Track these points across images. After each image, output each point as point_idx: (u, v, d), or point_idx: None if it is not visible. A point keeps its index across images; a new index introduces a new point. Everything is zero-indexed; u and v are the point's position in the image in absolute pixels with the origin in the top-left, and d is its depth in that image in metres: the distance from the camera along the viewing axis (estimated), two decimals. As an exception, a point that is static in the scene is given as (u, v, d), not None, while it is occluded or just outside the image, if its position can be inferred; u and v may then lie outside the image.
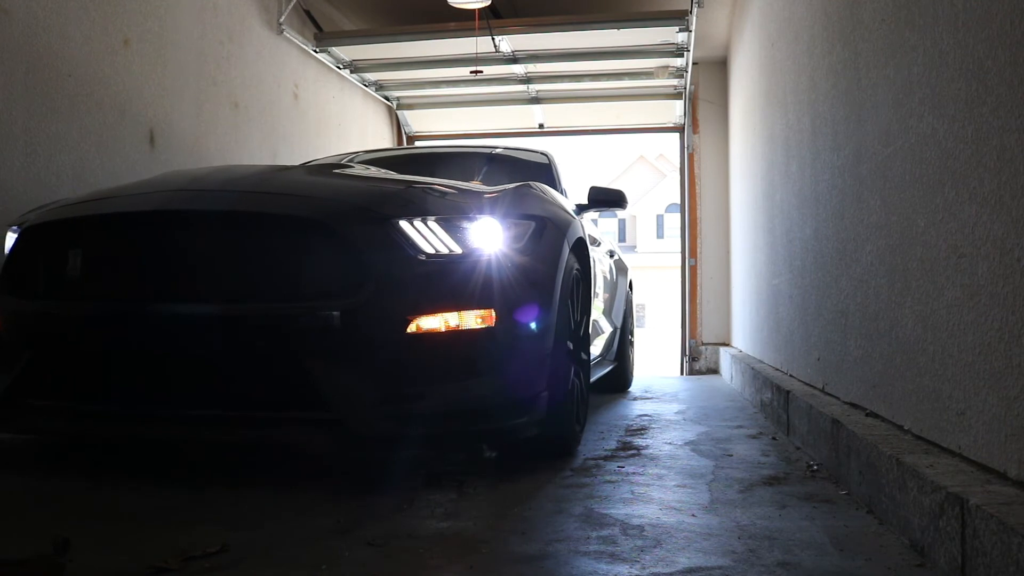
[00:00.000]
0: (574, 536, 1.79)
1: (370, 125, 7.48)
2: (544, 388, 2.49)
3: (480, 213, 2.44)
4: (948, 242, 1.83)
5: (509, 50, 6.25)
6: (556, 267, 2.63)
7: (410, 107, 7.91)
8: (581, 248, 3.05)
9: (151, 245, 2.38)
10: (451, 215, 2.40)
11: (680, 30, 5.76)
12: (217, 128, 4.90)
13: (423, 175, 3.21)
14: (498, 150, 4.56)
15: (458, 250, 2.35)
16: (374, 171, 3.14)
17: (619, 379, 5.19)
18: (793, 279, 3.76)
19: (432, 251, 2.32)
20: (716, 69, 7.45)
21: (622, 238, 35.66)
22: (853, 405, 2.66)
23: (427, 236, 2.34)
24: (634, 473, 2.53)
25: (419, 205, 2.42)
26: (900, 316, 2.17)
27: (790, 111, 3.77)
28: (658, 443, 3.15)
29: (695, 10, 5.41)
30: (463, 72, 6.74)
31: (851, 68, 2.64)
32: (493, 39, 5.92)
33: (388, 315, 2.23)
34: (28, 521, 1.91)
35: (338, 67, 6.57)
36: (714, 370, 7.36)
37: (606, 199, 4.01)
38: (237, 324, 2.24)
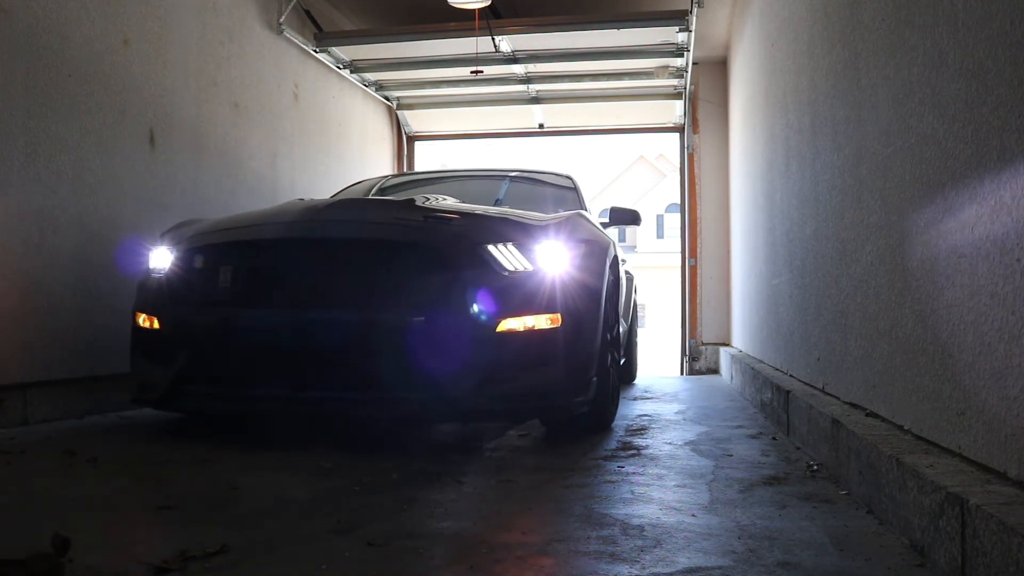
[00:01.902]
0: (574, 536, 1.79)
1: (370, 125, 7.48)
2: (594, 375, 3.13)
3: (546, 237, 3.08)
4: (948, 242, 1.83)
5: (509, 50, 6.25)
6: (602, 280, 3.28)
7: (410, 107, 7.91)
8: (615, 263, 3.68)
9: (294, 264, 3.01)
10: (524, 240, 3.04)
11: (680, 30, 5.76)
12: (217, 128, 4.90)
13: (456, 198, 3.92)
14: (524, 173, 5.15)
15: (531, 267, 2.97)
16: (454, 202, 3.71)
17: (627, 371, 5.79)
18: (793, 279, 3.76)
19: (512, 268, 2.95)
20: (716, 69, 7.44)
21: (622, 238, 35.66)
22: (853, 405, 2.66)
23: (508, 257, 2.97)
24: (634, 473, 2.53)
25: (501, 233, 3.06)
26: (900, 316, 2.17)
27: (790, 111, 3.77)
28: (658, 443, 3.15)
29: (695, 10, 5.41)
30: (463, 72, 6.73)
31: (851, 68, 2.64)
32: (493, 39, 5.92)
33: (483, 318, 2.84)
34: (27, 521, 1.91)
35: (338, 67, 6.57)
36: (714, 370, 7.36)
37: (623, 218, 4.77)
38: (367, 326, 2.85)
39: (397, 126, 8.11)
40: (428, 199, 3.55)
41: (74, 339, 3.76)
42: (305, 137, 6.09)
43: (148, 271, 3.29)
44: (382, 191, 4.93)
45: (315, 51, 6.15)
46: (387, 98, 7.69)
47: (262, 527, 1.86)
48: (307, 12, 6.06)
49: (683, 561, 1.62)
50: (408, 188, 5.00)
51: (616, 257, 3.71)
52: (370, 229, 3.05)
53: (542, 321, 2.92)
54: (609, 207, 4.76)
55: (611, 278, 3.48)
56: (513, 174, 5.07)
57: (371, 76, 7.07)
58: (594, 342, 3.14)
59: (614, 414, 3.64)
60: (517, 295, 2.90)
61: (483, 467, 2.63)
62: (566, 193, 4.78)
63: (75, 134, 3.74)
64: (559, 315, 2.94)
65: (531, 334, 2.90)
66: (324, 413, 3.15)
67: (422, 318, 2.82)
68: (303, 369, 2.90)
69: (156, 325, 3.12)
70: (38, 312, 3.54)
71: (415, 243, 2.99)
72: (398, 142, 8.14)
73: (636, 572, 1.55)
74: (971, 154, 1.70)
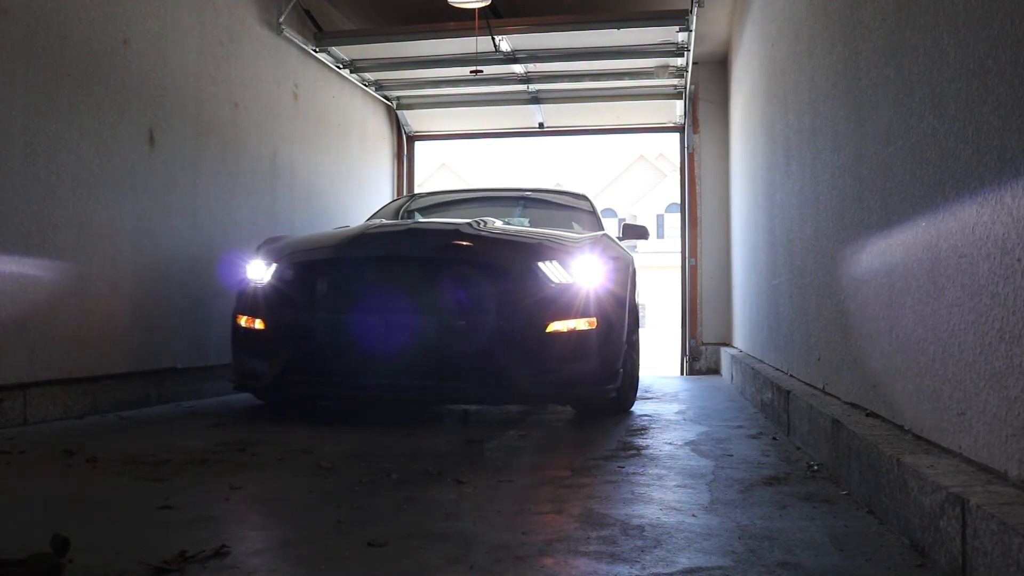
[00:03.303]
0: (574, 536, 1.79)
1: (370, 125, 7.48)
2: (621, 367, 3.79)
3: (581, 255, 3.74)
4: (948, 242, 1.83)
5: (509, 49, 6.25)
6: (626, 290, 3.98)
7: (410, 107, 7.90)
8: (633, 276, 4.32)
9: (381, 277, 3.66)
10: (566, 258, 3.70)
11: (680, 30, 5.75)
12: (217, 128, 4.90)
13: (481, 214, 4.66)
14: (542, 193, 5.90)
15: (572, 280, 3.63)
16: (502, 225, 4.32)
17: None
18: (793, 279, 3.76)
19: (558, 281, 3.61)
20: (716, 69, 7.44)
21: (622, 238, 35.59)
22: (853, 405, 2.66)
23: (554, 271, 3.64)
24: (634, 473, 2.53)
25: (548, 252, 3.73)
26: (900, 316, 2.17)
27: (790, 111, 3.77)
28: (658, 443, 3.15)
29: (695, 10, 5.40)
30: (463, 72, 6.73)
31: (851, 68, 2.64)
32: (493, 39, 5.92)
33: (535, 322, 3.52)
34: (27, 521, 1.91)
35: (338, 67, 6.56)
36: (714, 370, 7.36)
37: (634, 234, 5.40)
38: (441, 328, 3.50)
39: (397, 126, 8.11)
40: (482, 222, 4.13)
41: (74, 339, 3.76)
42: (305, 137, 6.09)
43: (246, 280, 3.90)
44: (410, 212, 5.52)
45: (315, 51, 6.15)
46: (387, 98, 7.69)
47: (262, 527, 1.86)
48: (307, 12, 6.06)
49: (683, 561, 1.61)
50: (438, 208, 5.64)
51: (634, 269, 4.36)
52: (443, 250, 3.73)
53: (581, 324, 3.57)
54: (622, 224, 5.36)
55: (631, 287, 4.14)
56: (533, 194, 5.74)
57: (371, 76, 7.07)
58: (621, 341, 3.80)
59: (633, 400, 4.31)
60: (561, 303, 3.57)
61: (483, 467, 2.63)
62: (584, 212, 5.41)
63: (75, 134, 3.74)
64: (595, 319, 3.60)
65: (572, 334, 3.55)
66: (409, 397, 3.88)
67: (487, 321, 3.49)
68: (392, 362, 3.52)
69: (260, 326, 3.75)
70: (38, 312, 3.54)
71: (479, 261, 3.67)
72: (398, 142, 8.14)
73: (636, 572, 1.54)
74: (972, 154, 1.70)
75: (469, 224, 3.97)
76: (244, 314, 3.83)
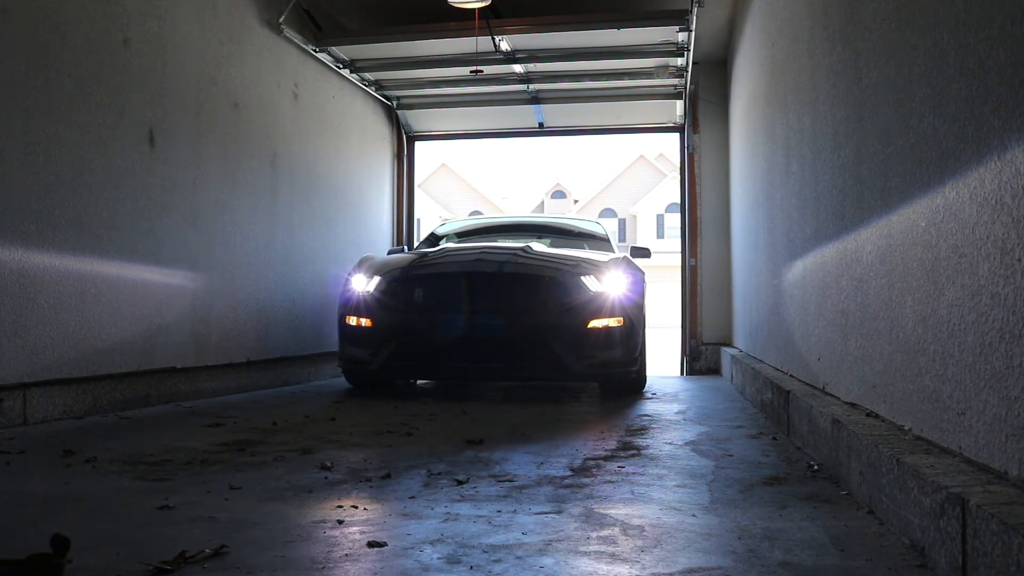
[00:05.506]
0: (574, 536, 1.79)
1: (370, 125, 7.48)
2: (638, 355, 4.95)
3: (609, 271, 4.92)
4: (948, 242, 1.83)
5: (509, 49, 6.24)
6: (643, 297, 5.11)
7: (410, 107, 7.90)
8: (645, 286, 5.28)
9: (465, 288, 4.77)
10: (600, 273, 4.88)
11: (680, 30, 5.75)
12: (217, 128, 4.90)
13: (512, 240, 6.01)
14: (564, 222, 7.40)
15: (603, 289, 4.79)
16: (544, 248, 5.55)
17: None
18: (793, 279, 3.76)
19: (595, 290, 4.78)
20: (716, 69, 7.43)
21: (622, 238, 35.63)
22: (853, 405, 2.66)
23: (591, 282, 4.81)
24: (634, 473, 2.53)
25: (587, 268, 4.92)
26: (900, 316, 2.17)
27: (790, 111, 3.77)
28: (658, 443, 3.15)
29: (695, 10, 5.40)
30: (463, 72, 6.72)
31: (851, 67, 2.64)
32: (493, 38, 5.91)
33: (580, 320, 4.68)
34: (27, 521, 1.91)
35: (338, 67, 6.56)
36: (715, 370, 7.36)
37: (639, 254, 6.27)
38: (514, 325, 4.66)
39: (397, 126, 8.10)
40: (530, 247, 5.28)
41: (74, 339, 3.76)
42: (305, 137, 6.09)
43: (351, 290, 4.98)
44: (440, 236, 6.60)
45: (315, 51, 6.15)
46: (387, 98, 7.68)
47: (261, 527, 1.85)
48: (307, 12, 6.05)
49: (683, 561, 1.61)
50: (469, 235, 6.66)
51: (645, 281, 5.33)
52: (511, 266, 4.88)
53: (612, 322, 4.73)
54: (630, 247, 6.34)
55: (644, 295, 5.21)
56: (554, 223, 7.13)
57: (371, 76, 7.06)
58: (640, 335, 4.95)
59: (645, 381, 5.37)
60: (597, 306, 4.72)
61: (482, 467, 2.63)
62: (600, 237, 6.53)
63: (75, 134, 3.74)
64: (621, 318, 4.75)
65: (606, 329, 4.71)
66: (487, 377, 5.16)
67: (545, 319, 4.65)
68: (475, 350, 4.69)
69: (367, 323, 4.85)
70: (38, 312, 3.54)
71: (538, 274, 4.84)
72: (398, 142, 8.14)
73: (636, 572, 1.54)
74: (972, 154, 1.70)
75: (525, 247, 5.22)
76: (352, 315, 4.92)
